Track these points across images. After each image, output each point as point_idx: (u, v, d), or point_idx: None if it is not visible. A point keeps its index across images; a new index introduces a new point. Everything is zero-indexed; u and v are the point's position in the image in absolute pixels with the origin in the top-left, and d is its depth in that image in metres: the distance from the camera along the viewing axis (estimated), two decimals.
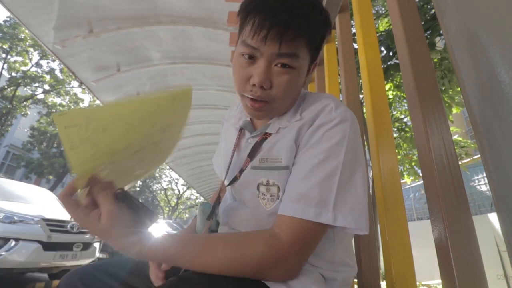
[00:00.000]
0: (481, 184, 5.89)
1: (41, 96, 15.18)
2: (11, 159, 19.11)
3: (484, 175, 4.46)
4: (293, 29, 0.50)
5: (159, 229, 10.45)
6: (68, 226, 3.81)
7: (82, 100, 16.49)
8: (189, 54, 2.53)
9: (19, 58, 13.95)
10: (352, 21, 2.26)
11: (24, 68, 14.13)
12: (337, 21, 1.54)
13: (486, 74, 0.43)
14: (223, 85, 2.99)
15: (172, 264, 0.46)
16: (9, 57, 13.59)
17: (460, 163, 3.70)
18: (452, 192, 0.59)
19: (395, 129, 4.64)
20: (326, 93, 1.07)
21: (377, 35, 3.04)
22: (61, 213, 4.04)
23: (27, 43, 13.30)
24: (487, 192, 5.71)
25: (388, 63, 3.45)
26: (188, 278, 0.45)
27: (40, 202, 4.34)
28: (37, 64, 15.30)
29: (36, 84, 14.50)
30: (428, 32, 2.93)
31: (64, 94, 15.57)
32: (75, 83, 15.35)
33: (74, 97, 16.13)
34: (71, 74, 2.53)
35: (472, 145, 4.60)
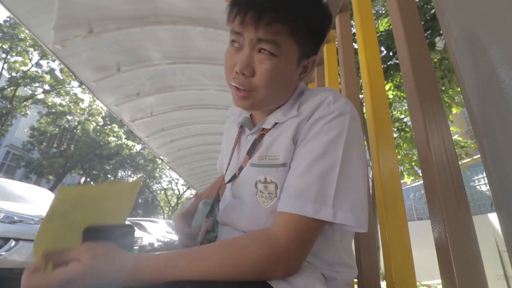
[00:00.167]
0: (481, 184, 5.89)
1: (41, 96, 15.18)
2: (11, 159, 19.10)
3: (484, 175, 4.46)
4: (269, 13, 0.50)
5: (159, 229, 10.47)
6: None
7: (82, 100, 16.49)
8: (189, 54, 2.52)
9: (19, 58, 13.95)
10: (352, 21, 2.26)
11: (24, 68, 14.13)
12: (337, 21, 1.54)
13: (486, 74, 0.42)
14: (223, 85, 2.99)
15: (166, 279, 0.42)
16: (9, 57, 13.58)
17: (460, 163, 3.70)
18: (452, 192, 0.59)
19: (395, 129, 4.64)
20: (326, 86, 1.06)
21: (377, 35, 3.04)
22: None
23: (27, 43, 13.30)
24: (487, 192, 5.71)
25: (388, 63, 3.45)
26: (189, 281, 0.44)
27: (40, 202, 4.33)
28: (37, 64, 15.30)
29: (36, 84, 14.50)
30: (428, 32, 2.93)
31: (64, 94, 15.57)
32: (75, 83, 15.36)
33: (74, 97, 16.13)
34: (71, 74, 2.52)
35: (472, 145, 4.60)
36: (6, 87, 13.83)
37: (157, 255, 0.45)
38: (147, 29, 2.14)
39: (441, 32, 2.71)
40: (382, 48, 3.43)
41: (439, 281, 1.04)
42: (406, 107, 4.71)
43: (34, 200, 4.31)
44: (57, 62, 14.83)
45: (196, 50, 2.46)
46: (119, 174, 24.30)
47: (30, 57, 14.10)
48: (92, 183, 21.79)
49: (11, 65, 13.76)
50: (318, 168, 0.49)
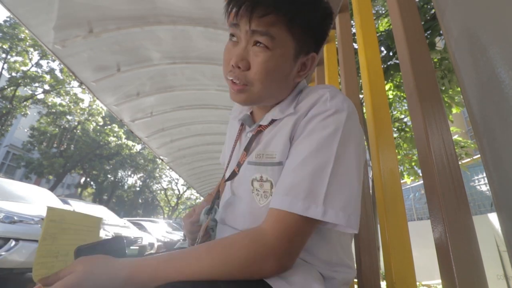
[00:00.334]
0: (481, 184, 5.89)
1: (41, 96, 15.18)
2: (11, 159, 19.11)
3: (484, 175, 4.46)
4: (263, 5, 0.50)
5: (159, 229, 10.46)
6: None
7: (82, 100, 16.49)
8: (189, 54, 2.52)
9: (19, 58, 13.95)
10: (352, 21, 2.26)
11: (24, 68, 14.13)
12: (337, 21, 1.54)
13: (486, 74, 0.42)
14: (223, 85, 2.99)
15: (161, 282, 0.42)
16: (9, 57, 13.58)
17: (460, 163, 3.70)
18: (452, 192, 0.59)
19: (395, 129, 4.64)
20: (326, 84, 1.07)
21: (377, 35, 3.04)
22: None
23: (27, 43, 13.30)
24: (487, 192, 5.71)
25: (388, 63, 3.45)
26: (185, 282, 0.44)
27: (40, 202, 4.33)
28: (37, 64, 15.28)
29: (36, 84, 14.50)
30: (428, 32, 2.93)
31: (64, 94, 15.57)
32: (75, 83, 15.36)
33: (74, 97, 16.13)
34: (71, 74, 2.52)
35: (472, 145, 4.60)
36: (6, 87, 13.82)
37: (151, 258, 0.45)
38: (147, 29, 2.14)
39: (441, 32, 2.71)
40: (382, 48, 3.43)
41: (439, 281, 1.04)
42: (406, 107, 4.71)
43: (34, 200, 4.31)
44: (57, 62, 14.84)
45: (196, 50, 2.46)
46: (119, 174, 24.31)
47: (30, 57, 14.10)
48: (92, 183, 21.81)
49: (11, 65, 13.76)
50: (311, 165, 0.48)
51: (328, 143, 0.49)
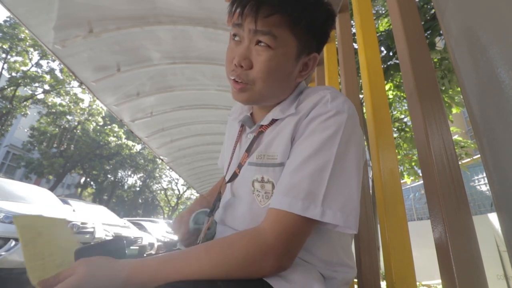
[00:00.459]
0: (481, 184, 5.89)
1: (41, 96, 15.18)
2: (11, 159, 19.11)
3: (484, 175, 4.46)
4: (267, 5, 0.51)
5: (159, 229, 10.46)
6: (68, 226, 3.81)
7: (82, 100, 16.49)
8: (189, 54, 2.52)
9: (19, 58, 13.95)
10: (352, 21, 2.26)
11: (24, 68, 14.13)
12: (337, 21, 1.54)
13: (486, 74, 0.42)
14: (223, 85, 2.99)
15: (161, 282, 0.43)
16: (9, 57, 13.58)
17: (460, 163, 3.70)
18: (452, 192, 0.59)
19: (395, 129, 4.64)
20: (326, 85, 1.07)
21: (377, 35, 3.04)
22: (61, 213, 4.04)
23: (27, 43, 13.30)
24: (487, 192, 5.71)
25: (388, 63, 3.45)
26: (186, 281, 0.44)
27: (40, 202, 4.33)
28: (37, 64, 15.28)
29: (36, 84, 14.51)
30: (428, 32, 2.93)
31: (64, 94, 15.57)
32: (75, 83, 15.36)
33: (74, 97, 16.13)
34: (71, 74, 2.53)
35: (472, 145, 4.60)
36: (6, 87, 13.82)
37: (151, 259, 0.46)
38: (147, 29, 2.14)
39: (441, 32, 2.71)
40: (382, 48, 3.43)
41: (439, 281, 1.04)
42: (406, 107, 4.71)
43: (34, 200, 4.31)
44: (57, 62, 14.84)
45: (196, 50, 2.46)
46: (119, 174, 24.30)
47: (30, 57, 14.10)
48: (92, 183, 21.81)
49: (11, 65, 13.76)
50: (311, 165, 0.48)
51: (329, 145, 0.50)
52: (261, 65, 0.54)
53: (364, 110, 1.33)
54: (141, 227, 9.16)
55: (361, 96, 2.70)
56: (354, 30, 1.63)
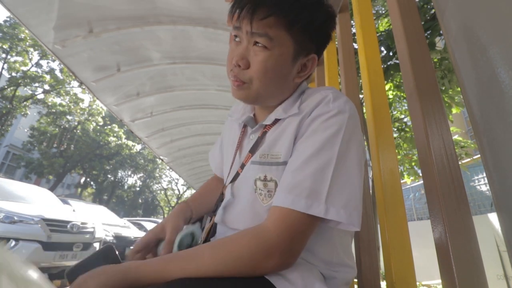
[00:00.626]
0: (481, 184, 5.89)
1: (41, 96, 15.18)
2: (11, 159, 19.11)
3: (484, 175, 4.46)
4: (263, 8, 0.52)
5: None
6: (68, 226, 3.81)
7: (82, 100, 16.50)
8: (189, 54, 2.52)
9: (19, 58, 13.95)
10: (352, 21, 2.26)
11: (24, 68, 14.13)
12: (337, 21, 1.54)
13: (486, 74, 0.42)
14: (223, 85, 2.99)
15: (164, 280, 0.44)
16: (9, 57, 13.59)
17: (460, 163, 3.70)
18: (452, 192, 0.59)
19: (395, 129, 4.64)
20: (328, 86, 1.07)
21: (377, 35, 3.04)
22: (61, 213, 4.04)
23: (27, 43, 13.31)
24: (487, 192, 5.71)
25: (388, 63, 3.45)
26: (186, 280, 0.44)
27: (40, 202, 4.34)
28: (37, 64, 15.30)
29: (36, 84, 14.51)
30: (428, 32, 2.93)
31: (64, 94, 15.57)
32: (75, 83, 15.36)
33: (74, 97, 16.13)
34: (71, 74, 2.53)
35: (472, 145, 4.60)
36: (6, 87, 13.83)
37: (156, 258, 0.47)
38: (147, 29, 2.14)
39: (441, 32, 2.71)
40: (382, 48, 3.43)
41: (439, 281, 1.04)
42: (406, 107, 4.71)
43: (34, 200, 4.32)
44: (57, 62, 14.84)
45: (196, 50, 2.46)
46: (119, 174, 24.31)
47: (30, 57, 14.10)
48: (92, 183, 21.80)
49: (11, 65, 13.77)
50: (313, 164, 0.49)
51: (331, 143, 0.50)
52: (257, 65, 0.55)
53: (364, 110, 1.33)
54: (141, 227, 9.17)
55: (361, 96, 2.70)
56: (354, 30, 1.63)
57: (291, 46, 0.56)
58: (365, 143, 1.31)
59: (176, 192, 29.86)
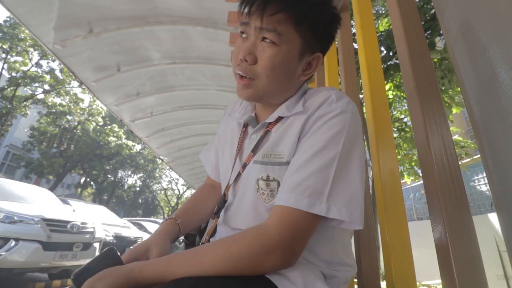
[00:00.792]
0: (481, 184, 5.89)
1: (41, 96, 15.18)
2: (11, 159, 19.11)
3: (484, 175, 4.46)
4: (274, 3, 0.53)
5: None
6: (68, 226, 3.81)
7: (82, 100, 16.49)
8: (189, 54, 2.53)
9: (19, 58, 13.95)
10: (352, 21, 2.26)
11: (24, 68, 14.13)
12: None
13: (486, 74, 0.43)
14: (223, 85, 2.99)
15: (167, 279, 0.45)
16: (9, 57, 13.58)
17: (460, 163, 3.70)
18: (452, 192, 0.59)
19: (395, 129, 4.64)
20: (327, 86, 1.06)
21: (377, 35, 3.04)
22: (61, 213, 4.04)
23: (27, 43, 13.30)
24: (487, 192, 5.71)
25: (388, 63, 3.45)
26: (189, 279, 0.44)
27: (40, 202, 4.34)
28: (37, 64, 15.31)
29: (36, 84, 14.50)
30: (428, 32, 2.93)
31: (64, 94, 15.57)
32: (75, 83, 15.36)
33: (74, 97, 16.13)
34: (71, 74, 2.53)
35: (472, 145, 4.60)
36: (6, 87, 13.82)
37: (159, 259, 0.47)
38: (147, 29, 2.15)
39: (441, 32, 2.71)
40: (382, 48, 3.43)
41: (439, 281, 1.04)
42: (406, 107, 4.71)
43: (34, 200, 4.31)
44: (57, 62, 14.83)
45: (196, 50, 2.47)
46: (119, 174, 24.31)
47: (30, 57, 14.10)
48: (92, 183, 21.80)
49: (11, 65, 13.76)
50: (316, 163, 0.50)
51: (334, 143, 0.51)
52: (265, 61, 0.55)
53: (364, 110, 1.33)
54: (141, 227, 9.17)
55: (361, 96, 2.70)
56: (354, 30, 1.63)
57: (299, 43, 0.56)
58: (365, 143, 1.31)
59: (176, 192, 29.86)
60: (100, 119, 17.93)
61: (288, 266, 0.48)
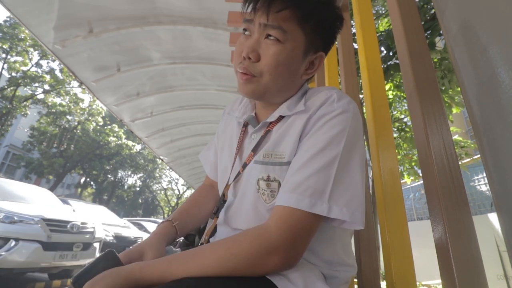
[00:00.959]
0: (481, 184, 5.89)
1: (41, 96, 15.18)
2: (11, 159, 19.11)
3: (484, 175, 4.46)
4: (279, 1, 0.53)
5: None
6: (68, 226, 3.81)
7: (82, 100, 16.49)
8: (189, 54, 2.53)
9: (19, 58, 13.95)
10: (352, 21, 2.26)
11: (24, 68, 14.13)
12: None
13: (486, 74, 0.43)
14: (223, 85, 2.99)
15: (167, 280, 0.44)
16: (9, 57, 13.58)
17: (460, 163, 3.70)
18: (452, 192, 0.59)
19: (395, 129, 4.64)
20: (327, 86, 1.06)
21: (377, 35, 3.04)
22: (61, 213, 4.04)
23: (27, 43, 13.30)
24: (487, 192, 5.71)
25: (388, 63, 3.45)
26: (189, 280, 0.44)
27: (40, 202, 4.33)
28: (37, 64, 15.31)
29: (36, 84, 14.50)
30: (428, 32, 2.93)
31: (64, 94, 15.57)
32: (75, 83, 15.36)
33: (74, 97, 16.13)
34: (71, 74, 2.53)
35: (472, 145, 4.60)
36: (6, 87, 13.82)
37: (159, 259, 0.47)
38: (147, 29, 2.15)
39: (441, 32, 2.71)
40: (382, 48, 3.43)
41: (439, 281, 1.04)
42: (406, 107, 4.71)
43: (34, 200, 4.31)
44: (57, 62, 14.83)
45: (196, 50, 2.47)
46: (119, 174, 24.30)
47: (30, 57, 14.10)
48: (92, 183, 21.80)
49: (11, 65, 13.76)
50: (317, 163, 0.49)
51: (335, 143, 0.51)
52: (269, 58, 0.55)
53: (364, 110, 1.33)
54: (141, 227, 9.17)
55: (361, 96, 2.70)
56: (354, 30, 1.63)
57: (303, 41, 0.56)
58: (365, 143, 1.31)
59: (176, 192, 29.86)
60: (100, 119, 17.93)
61: (289, 267, 0.47)
